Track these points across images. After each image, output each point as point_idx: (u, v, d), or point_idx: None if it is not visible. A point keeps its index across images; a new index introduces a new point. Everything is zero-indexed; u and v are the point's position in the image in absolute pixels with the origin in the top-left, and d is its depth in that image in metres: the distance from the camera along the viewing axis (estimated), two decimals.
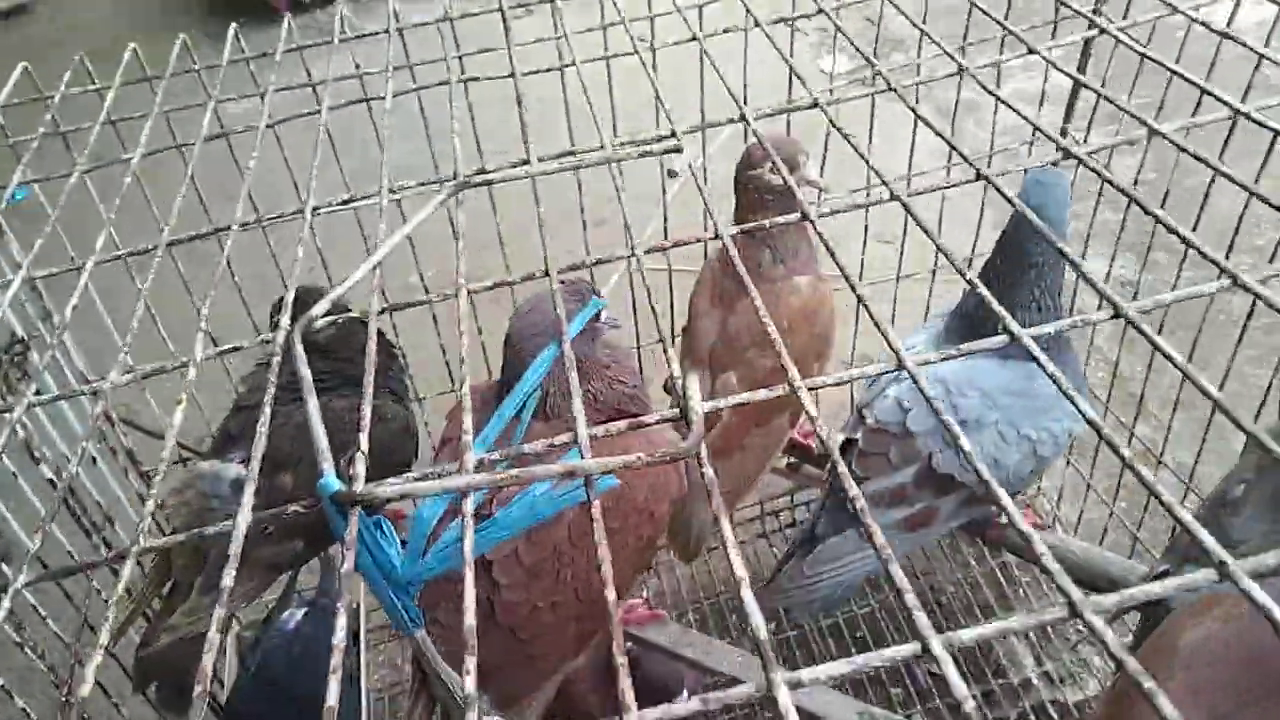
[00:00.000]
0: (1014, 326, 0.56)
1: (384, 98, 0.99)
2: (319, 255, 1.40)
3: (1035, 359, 0.53)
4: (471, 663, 0.42)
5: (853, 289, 0.62)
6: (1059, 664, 1.75)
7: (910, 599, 0.41)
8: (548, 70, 1.27)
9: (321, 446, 0.54)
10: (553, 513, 0.71)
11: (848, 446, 1.44)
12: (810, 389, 0.54)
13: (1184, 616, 0.85)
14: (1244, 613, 0.80)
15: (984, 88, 0.82)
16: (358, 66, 1.35)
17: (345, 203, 0.90)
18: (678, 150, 0.73)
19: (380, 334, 1.44)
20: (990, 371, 1.34)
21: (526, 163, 0.79)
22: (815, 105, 0.82)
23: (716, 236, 0.68)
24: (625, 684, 0.38)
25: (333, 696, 0.43)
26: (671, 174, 1.00)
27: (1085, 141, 1.62)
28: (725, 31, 1.23)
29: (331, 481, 0.53)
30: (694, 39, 1.04)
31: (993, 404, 1.33)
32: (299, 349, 0.62)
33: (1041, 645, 1.80)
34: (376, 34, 1.20)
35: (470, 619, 0.43)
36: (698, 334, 1.49)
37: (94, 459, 1.59)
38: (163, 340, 1.38)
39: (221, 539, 1.25)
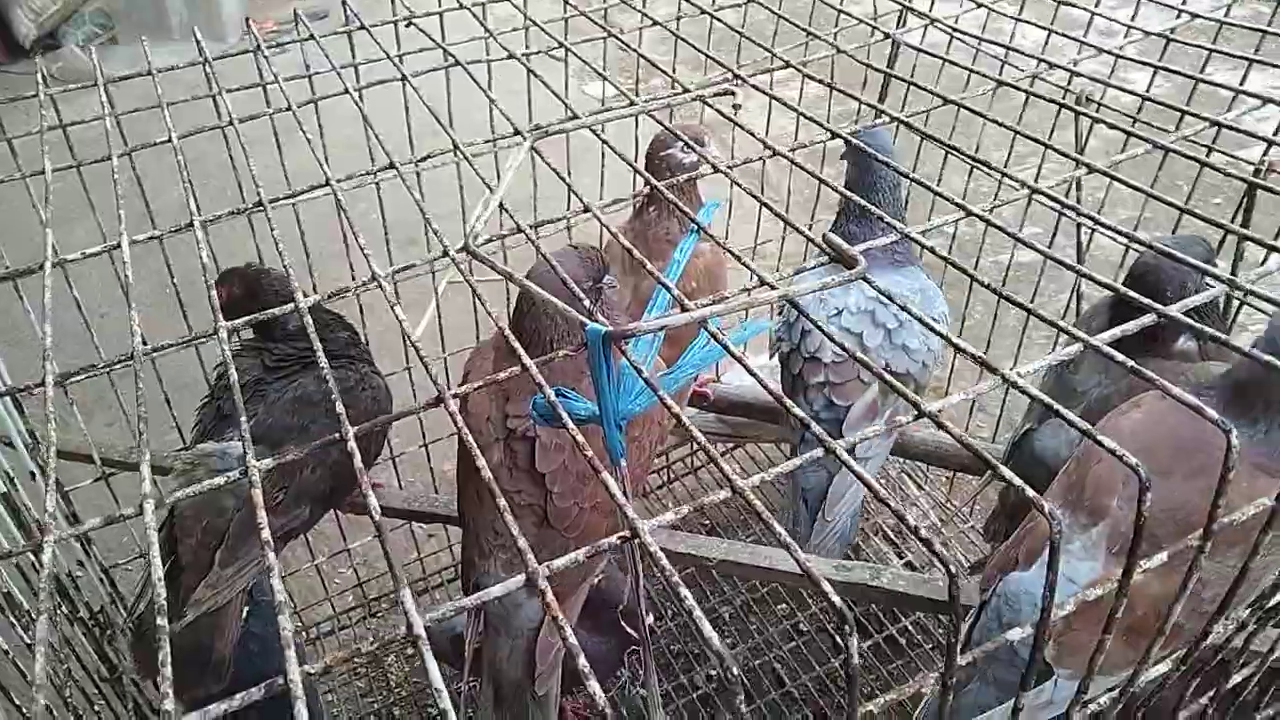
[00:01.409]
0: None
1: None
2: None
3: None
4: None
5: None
6: (916, 555, 2.11)
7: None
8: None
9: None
10: (706, 365, 0.92)
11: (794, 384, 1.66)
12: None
13: (1115, 414, 1.18)
14: (1160, 406, 1.13)
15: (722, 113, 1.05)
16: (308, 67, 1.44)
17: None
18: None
19: (340, 317, 1.57)
20: (892, 281, 1.60)
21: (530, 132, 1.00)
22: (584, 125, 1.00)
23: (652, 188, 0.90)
24: None
25: (294, 671, 0.51)
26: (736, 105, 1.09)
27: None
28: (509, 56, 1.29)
29: (598, 326, 0.72)
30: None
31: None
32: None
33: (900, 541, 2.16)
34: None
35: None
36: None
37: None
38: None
39: (230, 511, 1.35)
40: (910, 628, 1.99)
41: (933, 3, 1.52)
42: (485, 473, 0.66)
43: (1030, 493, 0.61)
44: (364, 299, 1.03)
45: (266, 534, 0.66)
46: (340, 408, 0.74)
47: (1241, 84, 1.17)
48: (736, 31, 1.29)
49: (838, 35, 1.27)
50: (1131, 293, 0.75)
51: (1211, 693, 0.93)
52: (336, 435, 0.75)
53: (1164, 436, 1.12)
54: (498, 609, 1.27)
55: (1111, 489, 1.12)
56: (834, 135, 0.99)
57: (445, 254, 0.87)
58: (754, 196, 0.90)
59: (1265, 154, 1.33)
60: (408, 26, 1.35)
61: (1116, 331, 0.71)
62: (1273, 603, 0.84)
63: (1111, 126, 1.07)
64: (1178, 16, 1.26)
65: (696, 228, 0.88)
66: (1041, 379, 1.55)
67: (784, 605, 2.10)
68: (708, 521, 2.31)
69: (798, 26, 1.35)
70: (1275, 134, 1.06)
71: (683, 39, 1.29)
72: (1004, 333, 2.15)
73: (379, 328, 1.74)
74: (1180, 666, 0.81)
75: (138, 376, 0.77)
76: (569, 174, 1.03)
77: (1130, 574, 0.66)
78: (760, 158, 0.98)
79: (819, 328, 0.75)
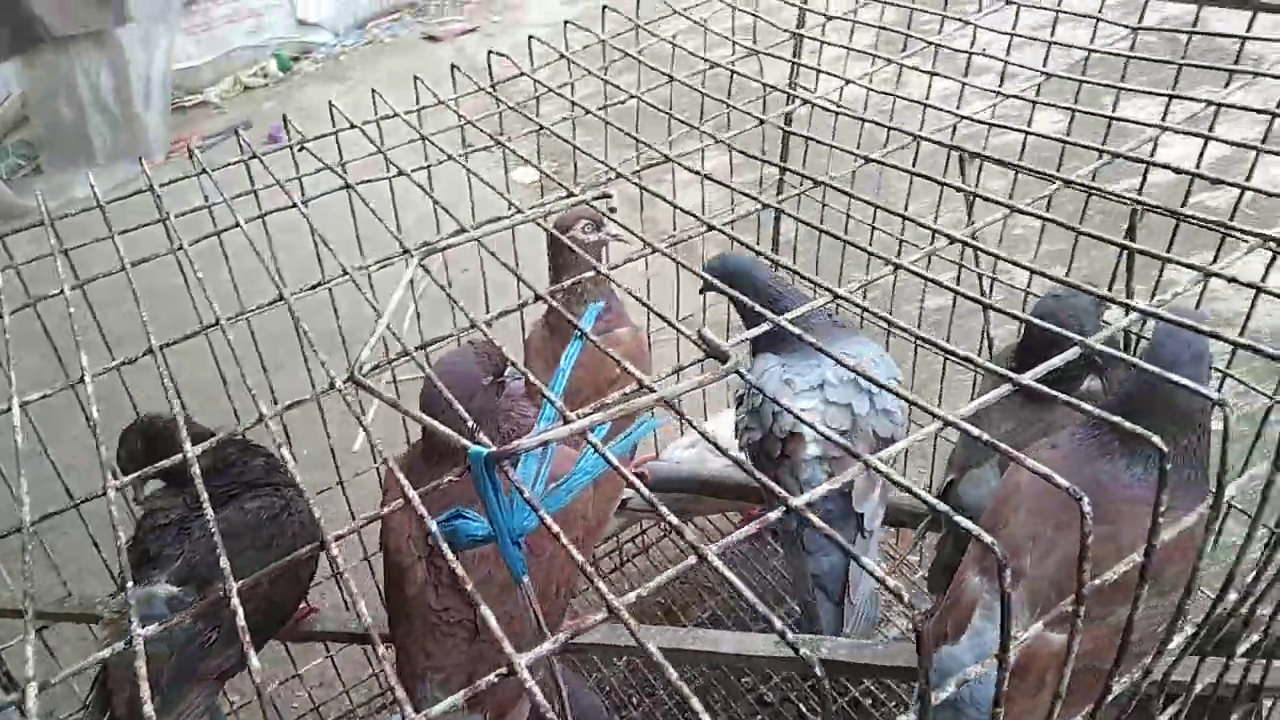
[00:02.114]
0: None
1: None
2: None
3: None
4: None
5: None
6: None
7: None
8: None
9: None
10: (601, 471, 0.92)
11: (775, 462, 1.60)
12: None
13: (1015, 469, 1.20)
14: (1057, 454, 1.16)
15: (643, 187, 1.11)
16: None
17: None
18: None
19: (252, 445, 1.55)
20: (849, 349, 1.61)
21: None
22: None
23: (539, 299, 0.92)
24: None
25: None
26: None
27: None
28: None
29: (480, 448, 0.72)
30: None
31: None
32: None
33: None
34: None
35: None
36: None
37: None
38: None
39: (162, 658, 1.33)
40: (873, 688, 1.98)
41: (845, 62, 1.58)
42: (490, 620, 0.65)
43: (975, 528, 0.61)
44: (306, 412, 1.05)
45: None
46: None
47: (1164, 118, 1.22)
48: (660, 110, 1.33)
49: (753, 105, 1.31)
50: (1045, 324, 0.78)
51: None
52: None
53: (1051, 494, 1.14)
54: None
55: (1024, 550, 1.13)
56: (763, 205, 1.02)
57: (332, 386, 0.88)
58: (635, 298, 0.92)
59: (1143, 178, 1.39)
60: (300, 150, 1.37)
61: (1044, 368, 0.73)
62: (1174, 644, 0.86)
63: (998, 162, 1.12)
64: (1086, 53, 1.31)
65: (580, 334, 0.90)
66: (960, 434, 1.58)
67: (748, 679, 2.09)
68: (663, 600, 2.30)
69: (718, 100, 1.38)
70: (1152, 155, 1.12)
71: (612, 124, 1.33)
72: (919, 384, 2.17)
73: (321, 445, 1.75)
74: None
75: (25, 549, 0.77)
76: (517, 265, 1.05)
77: (1008, 648, 0.66)
78: (682, 236, 1.00)
79: (803, 420, 0.74)
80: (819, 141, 1.18)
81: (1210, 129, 1.12)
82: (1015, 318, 0.90)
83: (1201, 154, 1.30)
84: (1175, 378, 0.70)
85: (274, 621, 1.45)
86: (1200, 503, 0.82)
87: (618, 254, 1.92)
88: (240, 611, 0.76)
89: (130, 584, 1.39)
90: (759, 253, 1.05)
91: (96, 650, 1.34)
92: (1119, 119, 1.18)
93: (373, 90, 1.50)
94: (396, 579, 1.30)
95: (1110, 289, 1.48)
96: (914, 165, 1.18)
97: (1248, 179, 1.15)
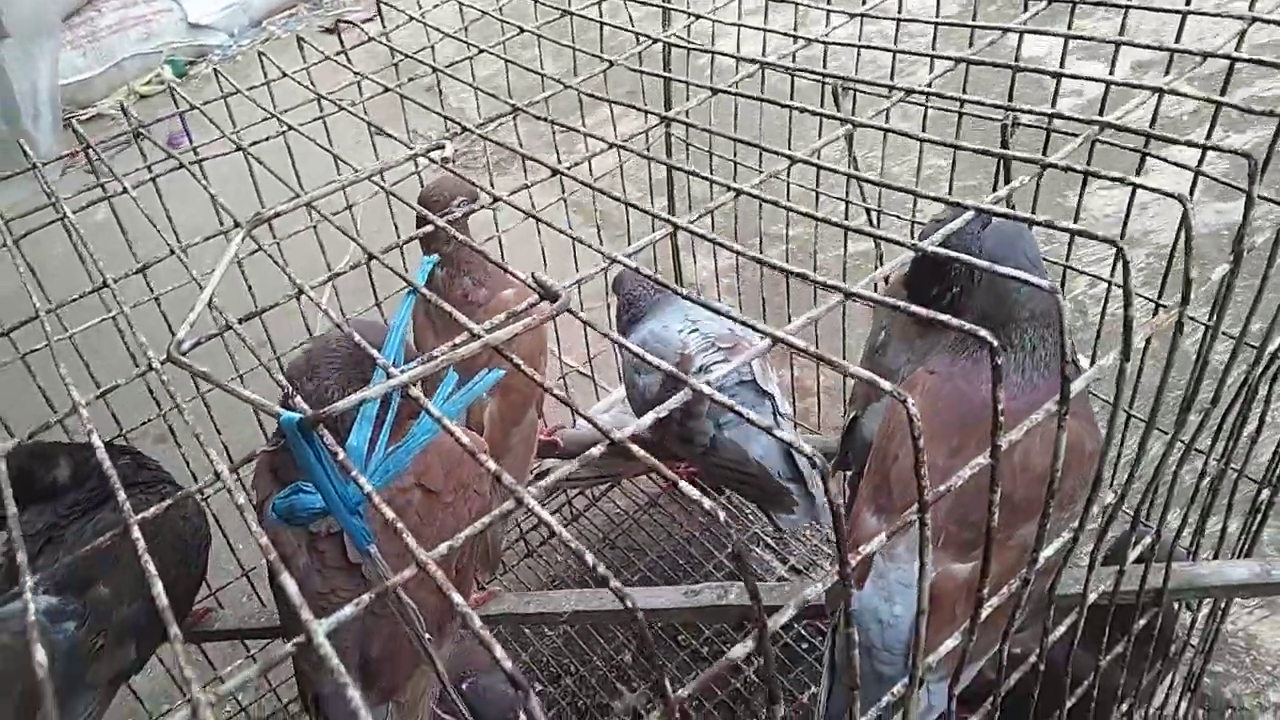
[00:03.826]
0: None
1: None
2: None
3: None
4: None
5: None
6: (799, 557, 2.10)
7: None
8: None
9: None
10: (455, 413, 0.87)
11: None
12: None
13: (893, 402, 1.18)
14: (938, 378, 1.14)
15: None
16: None
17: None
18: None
19: (114, 445, 1.49)
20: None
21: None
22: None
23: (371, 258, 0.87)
24: None
25: None
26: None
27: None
28: None
29: (292, 414, 0.68)
30: None
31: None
32: None
33: (780, 547, 2.14)
34: None
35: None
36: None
37: None
38: None
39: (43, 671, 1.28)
40: (804, 632, 1.97)
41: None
42: (290, 588, 0.61)
43: (886, 384, 0.60)
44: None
45: None
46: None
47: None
48: (541, 75, 1.27)
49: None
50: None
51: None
52: None
53: (949, 409, 1.12)
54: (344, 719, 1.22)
55: (914, 484, 1.11)
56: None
57: (150, 368, 0.83)
58: (473, 247, 0.88)
59: (1011, 88, 1.36)
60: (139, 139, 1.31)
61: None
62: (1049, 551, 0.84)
63: (868, 83, 1.09)
64: None
65: (412, 289, 0.85)
66: (859, 362, 1.56)
67: (682, 636, 2.07)
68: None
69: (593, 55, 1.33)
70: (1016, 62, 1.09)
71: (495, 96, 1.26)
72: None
73: None
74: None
75: None
76: None
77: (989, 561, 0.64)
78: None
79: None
80: (668, 78, 1.14)
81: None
82: (895, 241, 0.84)
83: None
84: (1004, 269, 0.68)
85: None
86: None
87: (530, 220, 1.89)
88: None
89: None
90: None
91: None
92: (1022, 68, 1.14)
93: (259, 54, 1.47)
94: (279, 571, 1.25)
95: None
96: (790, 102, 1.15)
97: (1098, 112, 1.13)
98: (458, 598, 0.55)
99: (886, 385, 0.61)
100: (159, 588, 0.59)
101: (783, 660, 1.93)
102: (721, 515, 0.57)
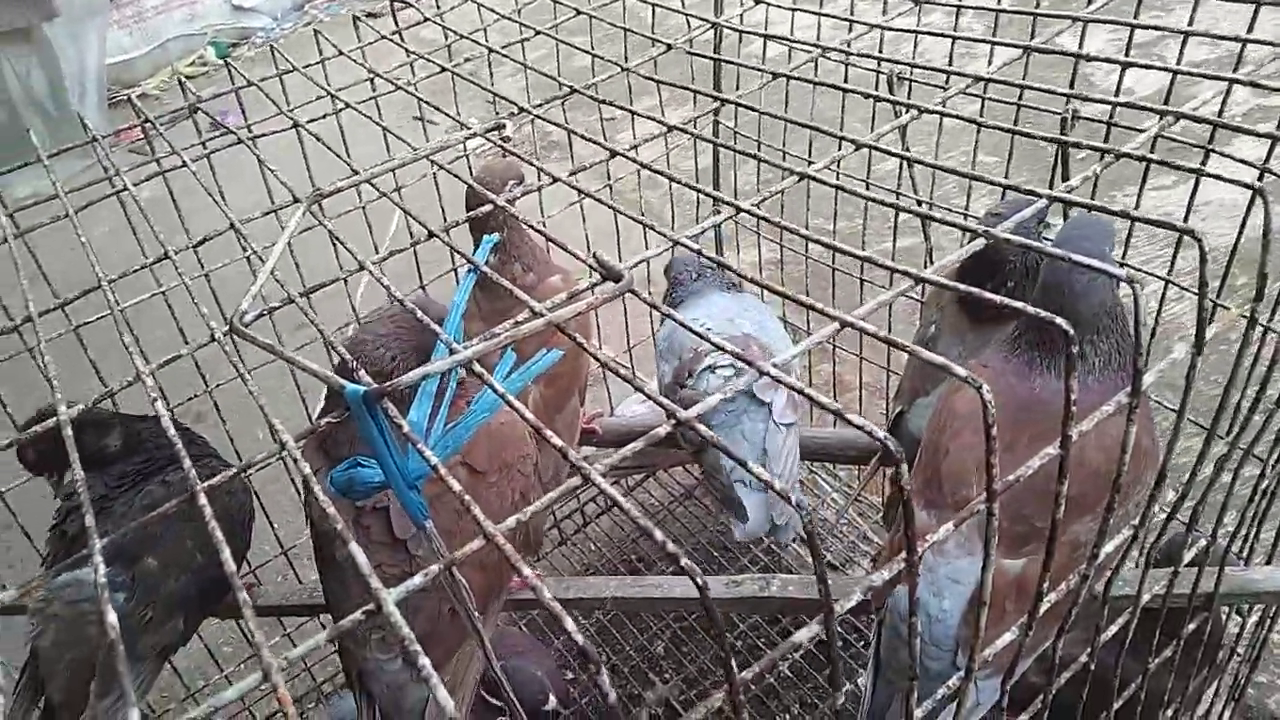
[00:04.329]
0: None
1: None
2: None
3: None
4: None
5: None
6: (836, 554, 2.09)
7: None
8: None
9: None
10: (515, 391, 0.87)
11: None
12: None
13: (949, 393, 1.16)
14: (990, 373, 1.12)
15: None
16: None
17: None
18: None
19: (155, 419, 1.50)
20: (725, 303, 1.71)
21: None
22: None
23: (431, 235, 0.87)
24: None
25: None
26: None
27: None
28: None
29: (357, 386, 0.68)
30: None
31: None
32: None
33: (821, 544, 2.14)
34: None
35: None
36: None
37: None
38: None
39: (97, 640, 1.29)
40: (840, 629, 1.96)
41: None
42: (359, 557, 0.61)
43: (959, 369, 0.59)
44: None
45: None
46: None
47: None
48: (594, 55, 1.26)
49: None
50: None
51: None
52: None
53: (1002, 405, 1.10)
54: (386, 694, 1.22)
55: (966, 479, 1.09)
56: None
57: (212, 339, 0.84)
58: (531, 226, 0.87)
59: (1073, 79, 1.34)
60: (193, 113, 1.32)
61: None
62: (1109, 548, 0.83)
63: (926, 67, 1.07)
64: None
65: (473, 268, 0.85)
66: (907, 360, 1.55)
67: (712, 631, 2.06)
68: (629, 558, 2.27)
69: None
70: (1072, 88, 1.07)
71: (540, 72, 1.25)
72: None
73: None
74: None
75: None
76: None
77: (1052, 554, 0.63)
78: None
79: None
80: (728, 61, 1.13)
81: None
82: (946, 223, 0.84)
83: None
84: (1078, 257, 0.66)
85: (212, 595, 1.41)
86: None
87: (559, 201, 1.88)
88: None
89: (47, 568, 1.37)
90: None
91: (26, 640, 1.32)
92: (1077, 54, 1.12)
93: (315, 32, 1.47)
94: (325, 550, 1.26)
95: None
96: (845, 94, 1.14)
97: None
98: (527, 570, 0.55)
99: (960, 371, 0.60)
100: (227, 553, 0.59)
101: (818, 657, 1.92)
102: (794, 498, 0.56)
